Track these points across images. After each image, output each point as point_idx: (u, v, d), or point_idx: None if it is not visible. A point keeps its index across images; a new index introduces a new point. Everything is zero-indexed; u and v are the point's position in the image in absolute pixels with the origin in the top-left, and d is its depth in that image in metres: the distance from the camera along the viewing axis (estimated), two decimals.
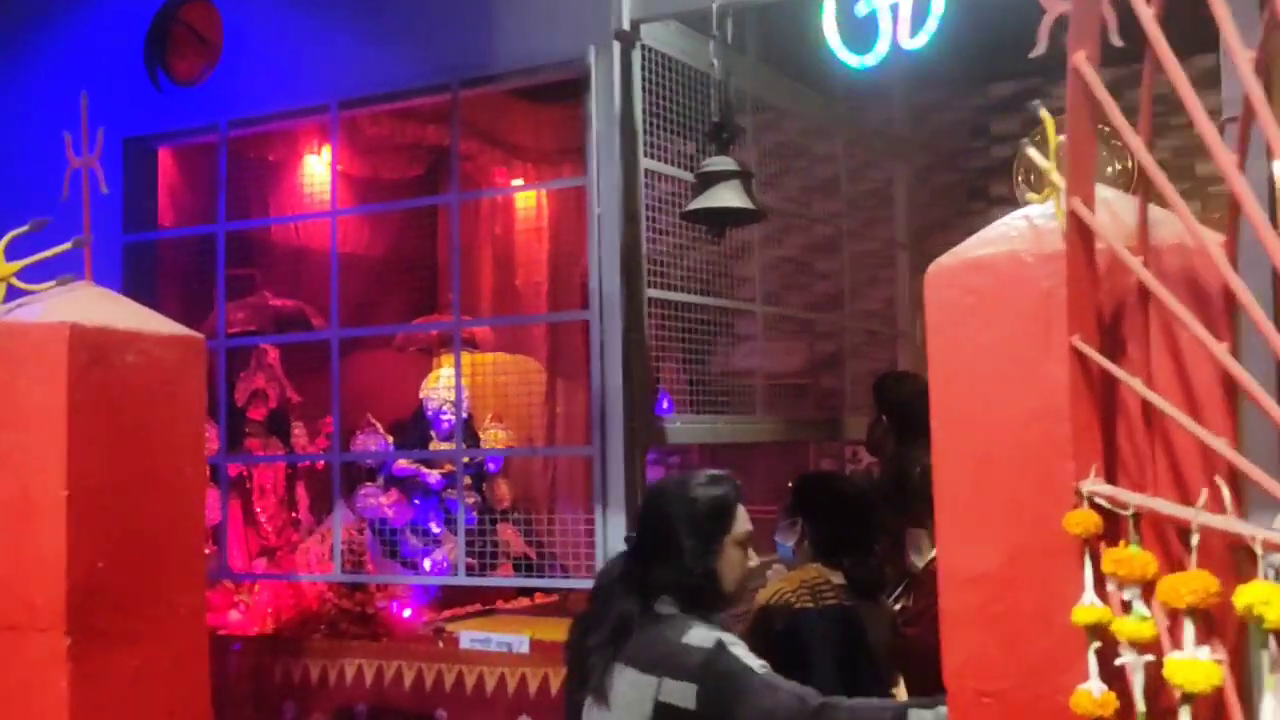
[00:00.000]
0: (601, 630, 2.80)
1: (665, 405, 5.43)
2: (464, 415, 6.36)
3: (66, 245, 3.68)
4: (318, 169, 6.47)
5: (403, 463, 6.34)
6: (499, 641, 4.94)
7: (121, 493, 3.67)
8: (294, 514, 6.40)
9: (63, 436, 3.54)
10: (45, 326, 3.55)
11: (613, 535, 4.53)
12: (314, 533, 6.10)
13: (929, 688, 2.65)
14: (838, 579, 3.57)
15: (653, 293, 4.82)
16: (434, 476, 6.28)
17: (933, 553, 3.51)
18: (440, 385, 6.35)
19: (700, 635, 2.70)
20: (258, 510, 6.33)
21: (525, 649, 4.89)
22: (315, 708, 5.16)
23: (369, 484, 6.33)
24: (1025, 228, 2.14)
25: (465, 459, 6.47)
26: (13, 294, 3.67)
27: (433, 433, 6.25)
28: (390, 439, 6.22)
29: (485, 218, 6.92)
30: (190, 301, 5.82)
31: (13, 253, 3.67)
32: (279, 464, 6.33)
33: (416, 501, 6.31)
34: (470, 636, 5.01)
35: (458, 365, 5.21)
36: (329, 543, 5.94)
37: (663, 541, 2.85)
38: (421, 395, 6.35)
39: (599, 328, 4.64)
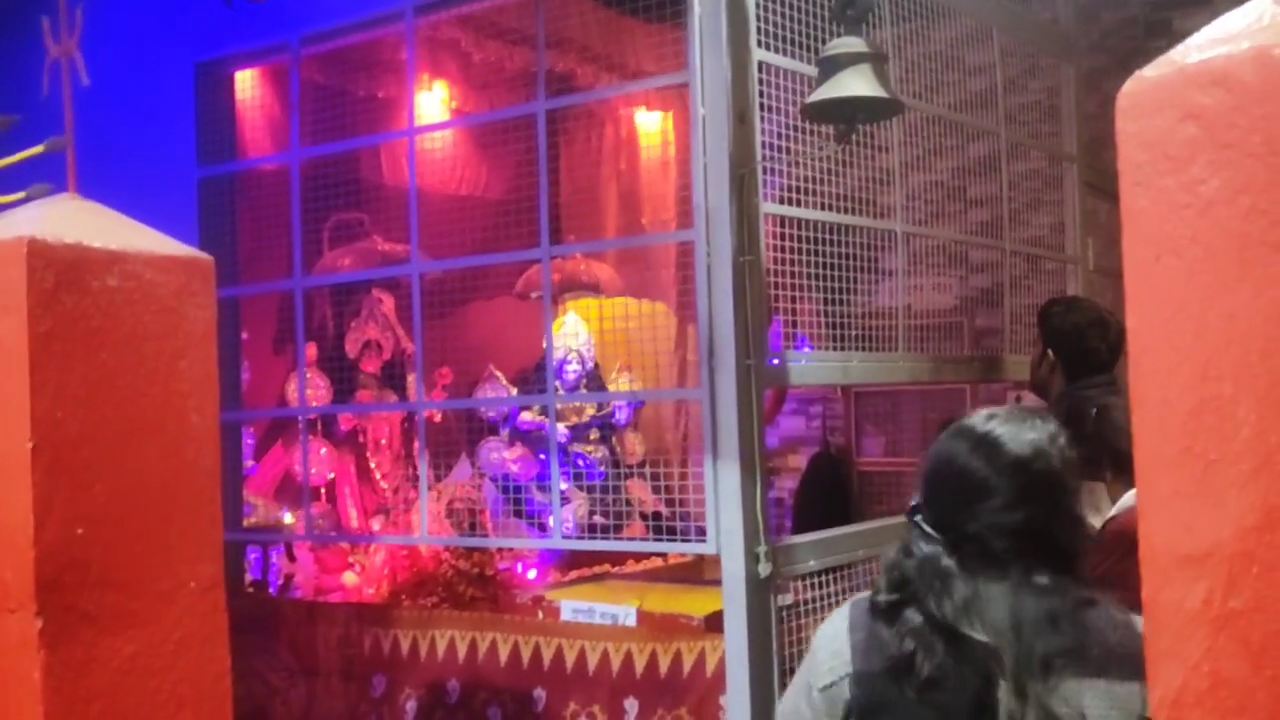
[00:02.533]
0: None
1: (799, 347, 4.55)
2: (590, 365, 5.51)
3: (39, 148, 2.74)
4: (430, 107, 5.54)
5: (527, 415, 5.64)
6: (603, 613, 3.92)
7: (106, 444, 2.72)
8: (412, 470, 5.56)
9: (24, 375, 2.61)
10: (1, 244, 2.60)
11: (725, 491, 3.72)
12: (431, 489, 5.25)
13: None
14: None
15: (770, 208, 3.95)
16: (560, 429, 5.38)
17: (1112, 510, 3.07)
18: (564, 333, 5.62)
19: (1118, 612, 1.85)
20: (372, 466, 5.63)
21: (632, 621, 3.87)
22: (405, 682, 4.22)
23: (492, 438, 5.62)
24: None
25: (591, 409, 5.61)
26: None
27: (557, 383, 5.37)
28: (513, 390, 5.52)
29: (608, 154, 6.04)
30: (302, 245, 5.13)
31: None
32: (395, 418, 5.65)
33: (543, 456, 5.55)
34: (573, 607, 4.00)
35: (546, 305, 4.42)
36: (445, 501, 5.11)
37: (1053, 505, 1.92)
38: (544, 344, 5.46)
39: (704, 248, 3.81)
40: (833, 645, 1.95)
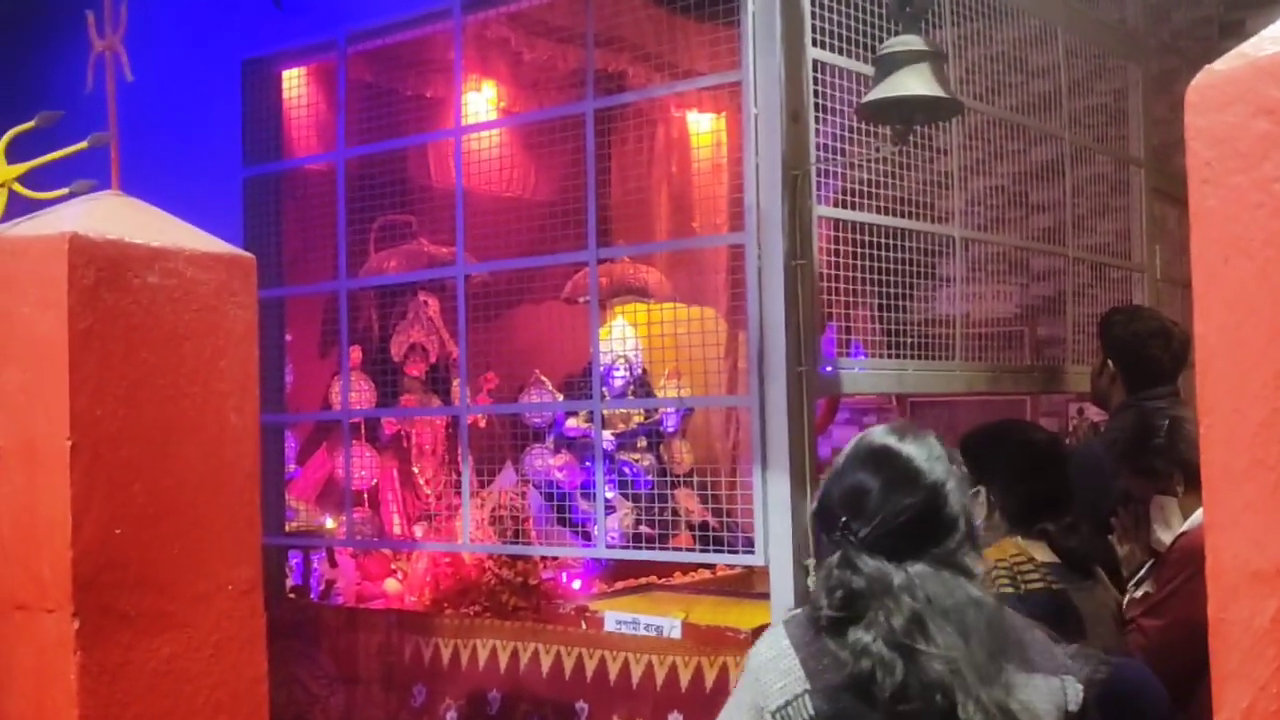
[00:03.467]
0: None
1: (853, 355, 4.48)
2: (637, 371, 5.51)
3: (82, 144, 2.77)
4: (479, 107, 5.56)
5: (573, 422, 5.63)
6: (648, 624, 3.90)
7: (145, 443, 2.75)
8: (456, 476, 5.59)
9: (64, 372, 2.64)
10: (43, 240, 2.65)
11: (774, 502, 3.70)
12: (474, 496, 5.27)
13: (1176, 698, 2.21)
14: (1043, 554, 2.85)
15: (824, 210, 3.93)
16: (606, 436, 5.39)
17: (1183, 526, 3.07)
18: (612, 338, 5.63)
19: None
20: (416, 471, 5.63)
21: (677, 634, 3.83)
22: (446, 691, 4.22)
23: (538, 445, 5.62)
24: None
25: (639, 416, 5.60)
26: (22, 208, 2.76)
27: (604, 390, 5.37)
28: (560, 397, 5.48)
29: (660, 156, 6.03)
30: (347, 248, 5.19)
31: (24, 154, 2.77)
32: (439, 423, 5.66)
33: (588, 464, 5.51)
34: (616, 618, 3.97)
35: (594, 310, 4.45)
36: (488, 508, 5.14)
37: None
38: (592, 350, 5.46)
39: (755, 252, 3.80)
40: (779, 665, 1.99)
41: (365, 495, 5.46)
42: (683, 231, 5.88)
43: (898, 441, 2.05)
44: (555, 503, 5.44)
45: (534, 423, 5.58)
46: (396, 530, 5.48)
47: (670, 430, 5.72)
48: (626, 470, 5.62)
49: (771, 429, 3.72)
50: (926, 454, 2.03)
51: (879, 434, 2.09)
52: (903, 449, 2.04)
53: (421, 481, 5.64)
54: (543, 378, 5.54)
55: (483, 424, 5.60)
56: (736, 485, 4.62)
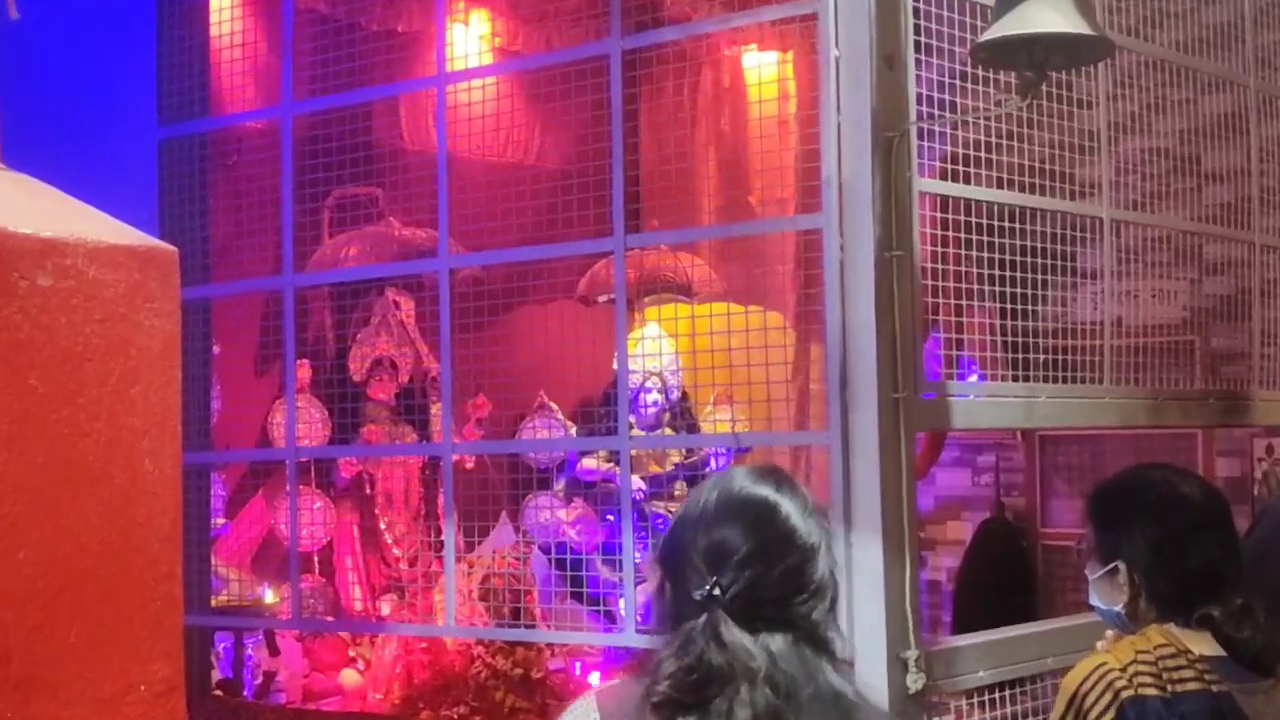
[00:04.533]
0: None
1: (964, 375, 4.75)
2: (676, 394, 5.59)
3: None
4: (468, 46, 5.64)
5: (591, 463, 5.76)
6: None
7: (34, 499, 2.79)
8: (436, 534, 5.75)
9: None
10: None
11: (861, 573, 3.77)
12: (459, 561, 5.32)
13: None
14: (1206, 646, 2.86)
15: (928, 184, 4.02)
16: (635, 482, 5.44)
17: None
18: (643, 351, 5.72)
19: None
20: (382, 527, 5.75)
21: None
22: None
23: (543, 492, 5.67)
24: None
25: (677, 455, 5.65)
26: None
27: (632, 419, 5.48)
28: (573, 429, 5.61)
29: (706, 110, 6.13)
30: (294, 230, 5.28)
31: None
32: (413, 464, 5.79)
33: (610, 518, 5.64)
34: None
35: (620, 313, 4.59)
36: (478, 577, 5.35)
37: None
38: (615, 366, 5.53)
39: (836, 239, 3.86)
40: None
41: (316, 559, 5.51)
42: (736, 209, 5.90)
43: (774, 493, 2.22)
44: (567, 570, 5.50)
45: (539, 463, 5.63)
46: (357, 606, 5.54)
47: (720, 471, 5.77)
48: (661, 527, 5.66)
49: (858, 475, 3.77)
50: (802, 510, 2.22)
51: (749, 481, 2.26)
52: (781, 504, 2.21)
53: (389, 541, 5.73)
54: (550, 403, 5.60)
55: (471, 464, 5.65)
56: None
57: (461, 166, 5.59)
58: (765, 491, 2.23)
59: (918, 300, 3.87)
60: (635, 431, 5.38)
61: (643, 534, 5.53)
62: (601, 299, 6.00)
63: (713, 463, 5.74)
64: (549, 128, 6.00)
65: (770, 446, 5.67)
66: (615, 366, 5.59)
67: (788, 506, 2.21)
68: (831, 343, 3.87)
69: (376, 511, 5.75)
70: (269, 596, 5.53)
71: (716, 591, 2.15)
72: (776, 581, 2.17)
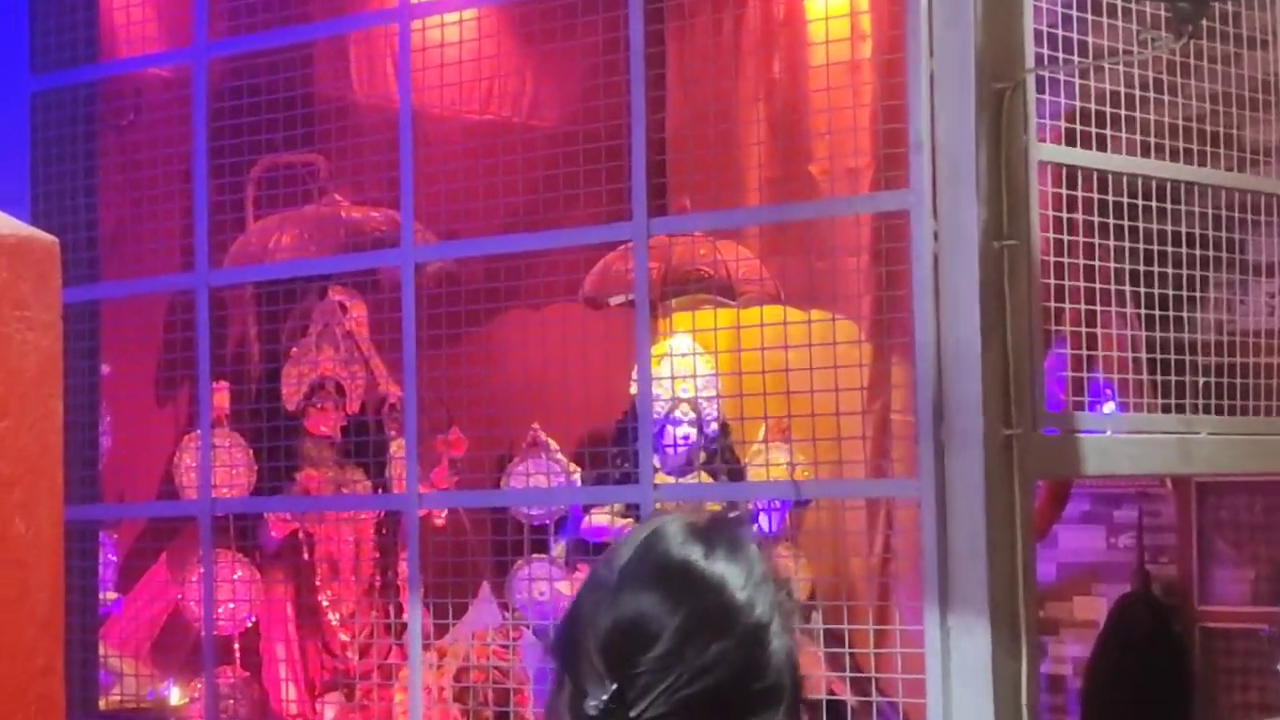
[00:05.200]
0: None
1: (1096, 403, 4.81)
2: (712, 425, 5.66)
3: None
4: None
5: (601, 518, 5.85)
6: None
7: None
8: (395, 612, 5.87)
9: None
10: None
11: (961, 663, 3.84)
12: (427, 649, 5.36)
13: None
14: None
15: (1051, 152, 4.09)
16: None
17: None
18: (669, 369, 5.75)
19: None
20: (324, 604, 5.77)
21: None
22: None
23: (537, 557, 5.71)
24: None
25: (715, 507, 5.63)
26: None
27: (656, 461, 5.44)
28: (576, 471, 5.72)
29: (751, 52, 6.14)
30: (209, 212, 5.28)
31: None
32: (363, 523, 5.81)
33: None
34: None
35: (641, 320, 4.73)
36: (451, 669, 5.32)
37: None
38: (634, 390, 5.59)
39: (929, 224, 3.91)
40: None
41: (237, 646, 5.52)
42: (794, 186, 5.94)
43: (704, 555, 2.08)
44: None
45: (532, 518, 5.66)
46: (291, 708, 5.56)
47: (770, 532, 5.77)
48: None
49: (957, 537, 3.81)
50: (745, 575, 2.09)
51: (674, 536, 2.12)
52: (713, 568, 2.07)
53: (334, 622, 5.77)
54: (547, 439, 5.63)
55: (442, 520, 5.67)
56: (893, 633, 4.68)
57: (431, 127, 5.64)
58: (691, 553, 2.09)
59: (1037, 306, 3.91)
60: (661, 478, 5.39)
61: None
62: (615, 301, 6.05)
63: (762, 520, 5.73)
64: (545, 76, 6.08)
65: (840, 499, 5.67)
66: (634, 390, 5.62)
67: (723, 571, 2.08)
68: (922, 362, 3.91)
69: (317, 583, 5.78)
70: (175, 696, 5.52)
71: (618, 704, 2.00)
72: (709, 676, 2.02)
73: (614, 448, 5.69)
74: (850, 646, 4.66)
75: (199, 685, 5.15)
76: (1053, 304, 4.03)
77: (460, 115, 5.47)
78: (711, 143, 5.59)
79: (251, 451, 5.49)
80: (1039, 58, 3.96)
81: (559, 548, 5.75)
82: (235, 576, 5.45)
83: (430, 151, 5.21)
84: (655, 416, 5.39)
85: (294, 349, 5.77)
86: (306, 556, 5.77)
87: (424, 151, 4.96)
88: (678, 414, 5.70)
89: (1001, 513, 3.80)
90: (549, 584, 5.56)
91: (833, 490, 5.47)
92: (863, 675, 5.17)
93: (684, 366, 5.68)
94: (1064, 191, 4.18)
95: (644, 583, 2.03)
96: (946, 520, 3.83)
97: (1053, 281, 4.02)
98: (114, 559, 5.57)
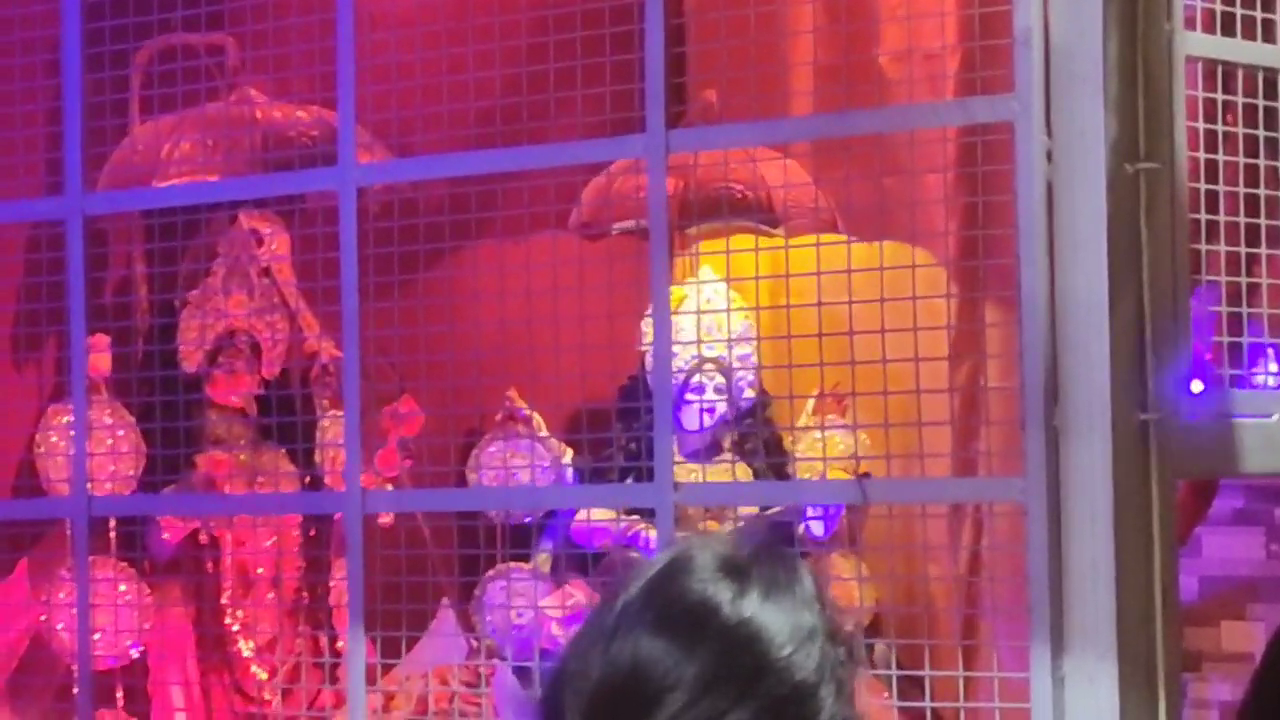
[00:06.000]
0: None
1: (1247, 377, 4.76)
2: (743, 391, 5.73)
3: None
4: None
5: (599, 514, 5.93)
6: None
7: None
8: (328, 634, 5.90)
9: None
10: None
11: (1081, 708, 3.88)
12: (372, 685, 5.42)
13: None
14: None
15: (1200, 42, 4.17)
16: None
17: None
18: (691, 318, 5.70)
19: None
20: (234, 629, 5.84)
21: None
22: None
23: (515, 566, 5.76)
24: None
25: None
26: None
27: (675, 440, 5.46)
28: (566, 452, 5.79)
29: None
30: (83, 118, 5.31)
31: None
32: (286, 522, 5.85)
33: None
34: None
35: (657, 259, 4.79)
36: (405, 710, 5.31)
37: None
38: (642, 346, 5.84)
39: (1038, 138, 3.94)
40: None
41: (119, 679, 5.59)
42: (854, 78, 5.85)
43: (736, 596, 2.11)
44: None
45: (507, 516, 5.70)
46: None
47: (820, 536, 5.88)
48: None
49: (1075, 552, 3.90)
50: (790, 621, 2.13)
51: (701, 569, 2.15)
52: (745, 614, 2.11)
53: (246, 651, 5.84)
54: (523, 408, 5.72)
55: (388, 520, 5.70)
56: (986, 665, 4.78)
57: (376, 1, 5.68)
58: (720, 593, 2.11)
59: (1183, 250, 3.99)
60: (682, 468, 5.41)
61: None
62: (619, 229, 6.12)
63: (810, 524, 5.76)
64: None
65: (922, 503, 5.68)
66: (645, 348, 5.65)
67: (758, 619, 2.10)
68: (1031, 324, 3.98)
69: (225, 601, 5.83)
70: None
71: None
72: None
73: (616, 419, 5.80)
74: (932, 698, 4.77)
75: None
76: (1203, 246, 4.09)
77: None
78: (739, 27, 5.60)
79: (139, 428, 5.52)
80: None
81: (542, 555, 5.83)
82: (118, 592, 5.48)
83: (377, 36, 5.24)
84: (674, 379, 5.37)
85: (194, 293, 5.84)
86: (211, 566, 5.86)
87: (368, 35, 5.03)
88: (701, 376, 5.76)
89: (1134, 522, 3.87)
90: (528, 600, 5.59)
91: (911, 493, 5.49)
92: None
93: (712, 318, 5.71)
94: (1218, 96, 4.23)
95: (650, 625, 2.05)
96: (1061, 531, 3.90)
97: (1203, 216, 4.08)
98: None
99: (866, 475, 5.33)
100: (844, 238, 5.74)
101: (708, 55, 5.59)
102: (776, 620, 2.07)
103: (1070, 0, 3.94)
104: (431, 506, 5.63)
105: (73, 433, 5.16)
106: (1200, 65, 4.10)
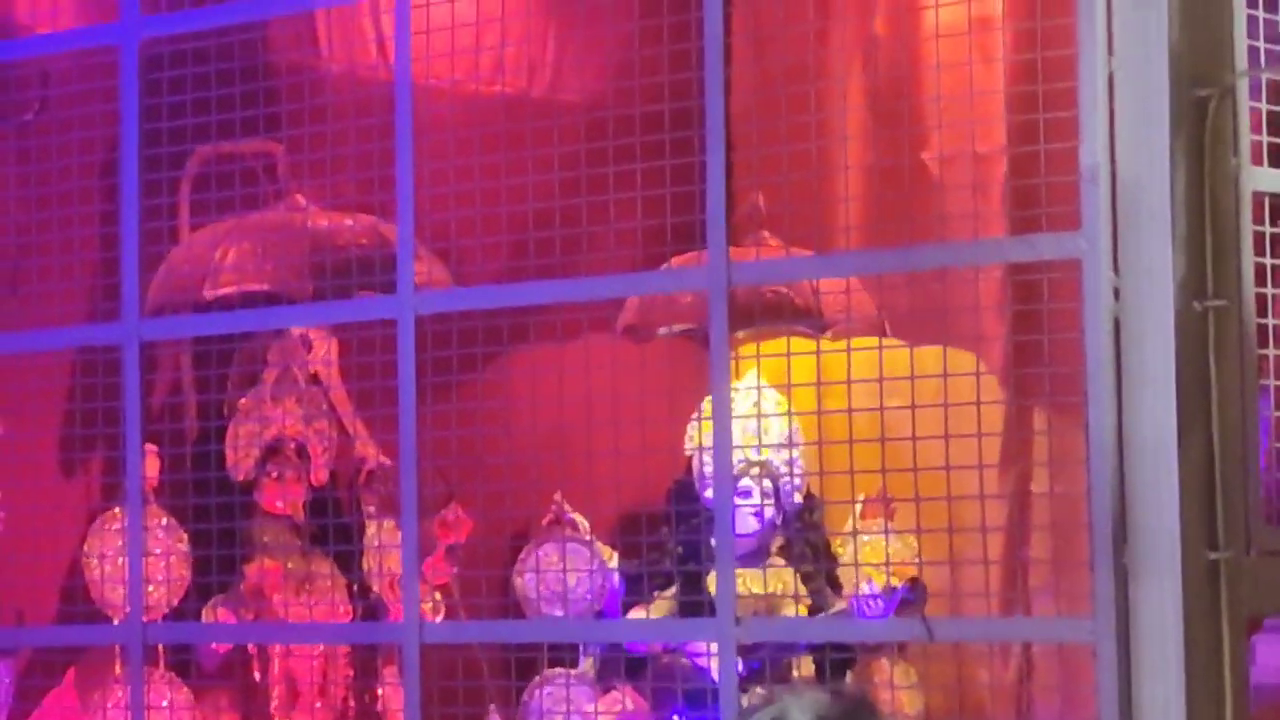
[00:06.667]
0: None
1: None
2: (791, 495, 5.66)
3: None
4: None
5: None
6: None
7: None
8: None
9: None
10: None
11: None
12: None
13: None
14: None
15: (1264, 178, 4.14)
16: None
17: None
18: (740, 425, 5.61)
19: None
20: None
21: None
22: None
23: (561, 671, 5.76)
24: None
25: (799, 607, 5.69)
26: None
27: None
28: (611, 557, 5.83)
29: (847, 9, 6.08)
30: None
31: None
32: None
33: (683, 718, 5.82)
34: None
35: (717, 362, 4.48)
36: None
37: None
38: (688, 449, 5.90)
39: (1105, 276, 3.86)
40: None
41: None
42: (896, 172, 5.85)
43: None
44: None
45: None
46: None
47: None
48: None
49: (1147, 697, 3.82)
50: None
51: None
52: None
53: None
54: (573, 513, 5.69)
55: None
56: None
57: (427, 100, 5.62)
58: None
59: (1252, 386, 3.96)
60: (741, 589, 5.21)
61: None
62: (662, 332, 6.10)
63: (864, 613, 5.72)
64: (572, 38, 6.16)
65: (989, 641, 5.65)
66: (689, 452, 5.64)
67: None
68: (1098, 461, 3.93)
69: (272, 711, 5.79)
70: None
71: None
72: None
73: (664, 525, 5.77)
74: None
75: None
76: (1272, 381, 4.07)
77: (463, 88, 5.50)
78: (786, 130, 5.57)
79: (187, 536, 5.50)
80: (1258, 54, 4.02)
81: (588, 661, 5.80)
82: (164, 704, 5.46)
83: (421, 141, 5.22)
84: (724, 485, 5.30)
85: (243, 400, 5.83)
86: (258, 676, 5.82)
87: (423, 143, 5.02)
88: (751, 481, 5.74)
89: (1204, 661, 3.82)
90: (576, 706, 5.61)
91: (979, 631, 5.43)
92: None
93: (756, 422, 5.63)
94: (1271, 229, 4.21)
95: None
96: (1131, 672, 3.86)
97: (1271, 352, 4.07)
98: (6, 680, 5.56)
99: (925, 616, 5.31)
100: (887, 340, 5.74)
101: (746, 146, 5.56)
102: None
103: (1137, 136, 3.90)
104: (491, 638, 5.56)
105: (125, 553, 5.11)
106: (1267, 200, 4.07)
